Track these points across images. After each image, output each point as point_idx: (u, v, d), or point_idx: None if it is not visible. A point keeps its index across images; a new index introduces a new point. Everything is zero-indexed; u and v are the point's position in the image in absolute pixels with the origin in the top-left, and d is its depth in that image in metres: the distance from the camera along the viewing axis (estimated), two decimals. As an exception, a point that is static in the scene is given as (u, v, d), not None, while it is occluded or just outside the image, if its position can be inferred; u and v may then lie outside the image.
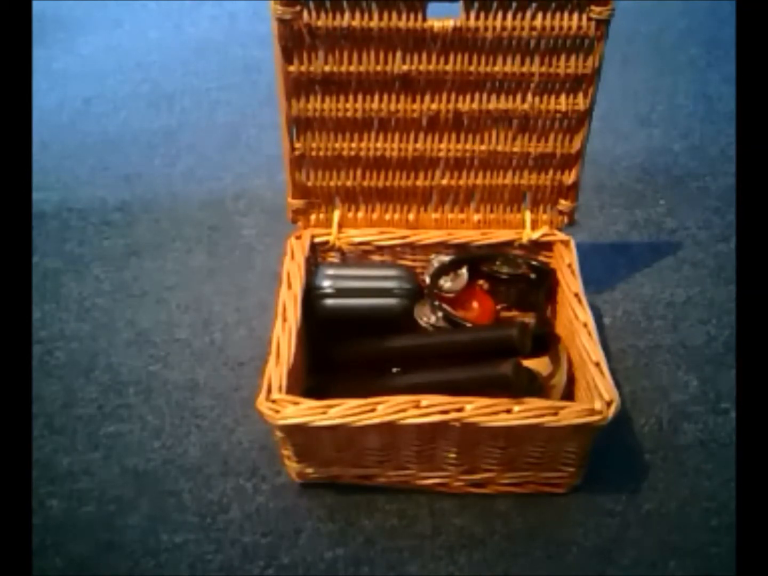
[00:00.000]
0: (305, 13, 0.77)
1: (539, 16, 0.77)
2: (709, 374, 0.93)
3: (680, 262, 1.10)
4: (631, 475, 0.82)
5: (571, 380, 0.82)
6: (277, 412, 0.69)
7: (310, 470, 0.79)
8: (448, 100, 0.84)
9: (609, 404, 0.69)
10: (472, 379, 0.76)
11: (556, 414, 0.69)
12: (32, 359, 0.94)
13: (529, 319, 0.89)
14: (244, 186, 1.23)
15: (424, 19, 0.77)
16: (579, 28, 0.78)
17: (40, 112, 1.39)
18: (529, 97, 0.83)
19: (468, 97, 0.84)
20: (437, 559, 0.75)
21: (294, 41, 0.78)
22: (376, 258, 0.94)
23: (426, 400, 0.69)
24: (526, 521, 0.78)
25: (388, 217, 0.93)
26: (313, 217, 0.93)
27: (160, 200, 1.22)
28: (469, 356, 0.78)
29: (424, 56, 0.80)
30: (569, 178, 0.89)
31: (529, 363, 0.78)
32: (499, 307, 0.93)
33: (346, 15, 0.77)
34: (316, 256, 0.92)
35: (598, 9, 0.76)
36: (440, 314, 0.85)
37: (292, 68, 0.80)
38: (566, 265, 0.87)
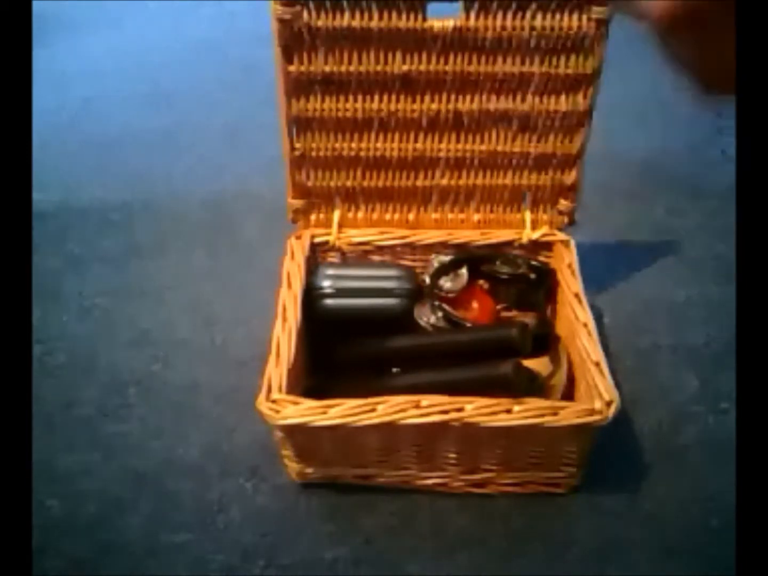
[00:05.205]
0: (305, 13, 0.77)
1: (539, 16, 0.77)
2: (709, 374, 0.93)
3: (680, 262, 1.10)
4: (631, 475, 0.82)
5: (571, 380, 0.82)
6: (277, 412, 0.69)
7: (310, 470, 0.79)
8: (448, 100, 0.83)
9: (609, 404, 0.69)
10: (472, 379, 0.76)
11: (556, 414, 0.69)
12: (32, 359, 0.94)
13: (529, 319, 0.89)
14: (244, 186, 1.23)
15: (424, 19, 0.77)
16: (579, 28, 0.78)
17: (40, 112, 1.38)
18: (529, 97, 0.83)
19: (468, 97, 0.83)
20: (437, 559, 0.75)
21: (294, 41, 0.78)
22: (376, 258, 0.94)
23: (426, 400, 0.69)
24: (526, 521, 0.78)
25: (388, 217, 0.93)
26: (313, 217, 0.93)
27: (160, 200, 1.22)
28: (469, 356, 0.78)
29: (424, 56, 0.80)
30: (569, 178, 0.89)
31: (529, 363, 0.78)
32: (499, 307, 0.93)
33: (346, 15, 0.77)
34: (316, 256, 0.92)
35: (598, 9, 0.76)
36: (440, 314, 0.85)
37: (292, 68, 0.80)
38: (566, 265, 0.87)
